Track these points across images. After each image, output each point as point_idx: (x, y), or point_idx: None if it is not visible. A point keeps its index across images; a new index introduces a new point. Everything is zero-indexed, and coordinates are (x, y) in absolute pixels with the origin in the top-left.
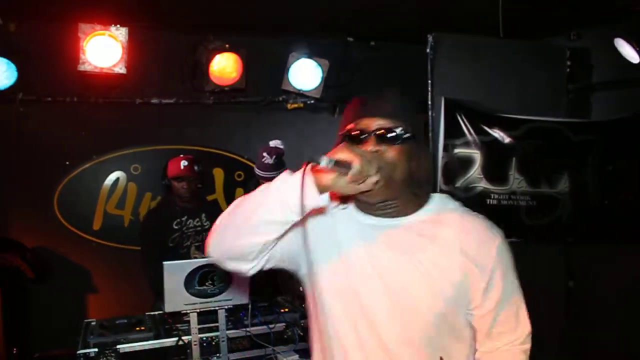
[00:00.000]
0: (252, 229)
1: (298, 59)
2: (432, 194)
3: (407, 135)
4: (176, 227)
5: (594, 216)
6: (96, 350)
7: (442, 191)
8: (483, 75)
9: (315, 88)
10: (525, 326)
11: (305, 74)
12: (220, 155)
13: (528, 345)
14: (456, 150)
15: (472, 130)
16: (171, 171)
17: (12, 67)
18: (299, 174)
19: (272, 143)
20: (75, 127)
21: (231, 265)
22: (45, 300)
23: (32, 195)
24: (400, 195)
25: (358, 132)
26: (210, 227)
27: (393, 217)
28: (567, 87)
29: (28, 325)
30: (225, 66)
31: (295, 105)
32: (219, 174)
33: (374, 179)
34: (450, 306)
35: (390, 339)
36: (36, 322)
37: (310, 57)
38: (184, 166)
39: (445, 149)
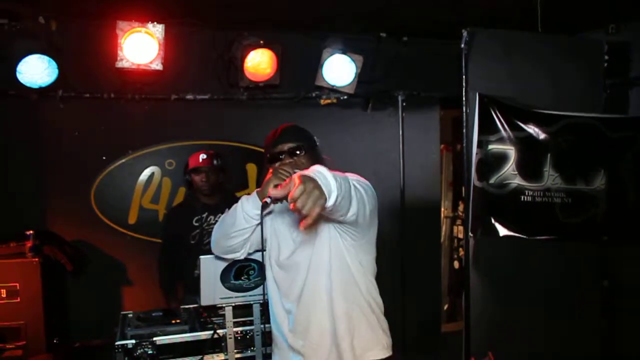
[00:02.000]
0: (233, 234)
1: (332, 54)
2: None
3: (306, 147)
4: (196, 224)
5: (631, 215)
6: (134, 341)
7: (475, 188)
8: (518, 70)
9: (349, 84)
10: None
11: (339, 69)
12: (253, 150)
13: None
14: (490, 147)
15: (506, 126)
16: (190, 164)
17: (54, 64)
18: (250, 197)
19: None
20: (112, 123)
21: (228, 257)
22: (83, 292)
23: (71, 189)
24: None
25: (277, 153)
26: None
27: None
28: (604, 82)
29: (67, 316)
30: (259, 62)
31: (329, 101)
32: (252, 169)
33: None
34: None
35: (308, 285)
36: (74, 313)
37: (344, 52)
38: (203, 159)
39: (480, 145)
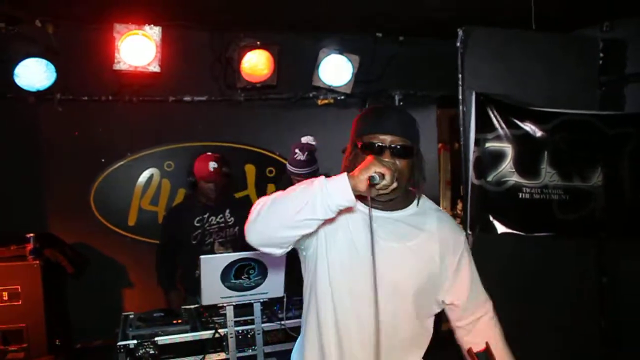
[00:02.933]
0: (296, 224)
1: (328, 54)
2: (416, 195)
3: (413, 151)
4: (197, 225)
5: (629, 211)
6: (135, 342)
7: (473, 186)
8: (514, 68)
9: (346, 84)
10: (489, 300)
11: (335, 69)
12: (252, 151)
13: (494, 314)
14: (487, 145)
15: (503, 124)
16: (199, 172)
17: (52, 67)
18: (339, 180)
19: (304, 139)
20: (111, 125)
21: (265, 250)
22: (84, 293)
23: (71, 192)
24: (401, 194)
25: (376, 145)
26: (234, 222)
27: (390, 210)
28: (599, 80)
29: (68, 318)
30: (256, 63)
31: (326, 101)
32: (250, 170)
33: (394, 186)
34: (429, 282)
35: (381, 310)
36: (76, 315)
37: (340, 52)
38: (213, 169)
39: (477, 143)
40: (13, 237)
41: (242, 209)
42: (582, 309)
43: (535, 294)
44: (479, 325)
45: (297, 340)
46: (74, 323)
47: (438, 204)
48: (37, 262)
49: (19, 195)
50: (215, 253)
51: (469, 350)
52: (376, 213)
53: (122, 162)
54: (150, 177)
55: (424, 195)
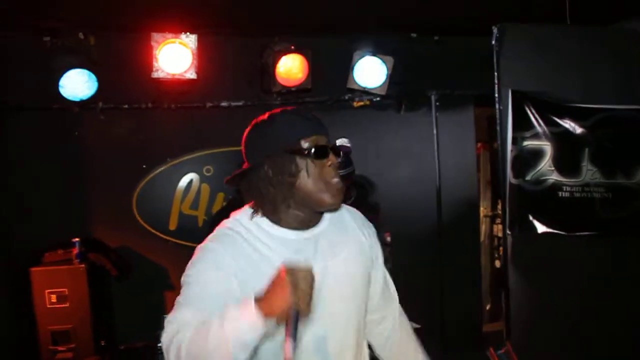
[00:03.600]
0: None
1: (362, 56)
2: None
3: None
4: None
5: None
6: None
7: (511, 185)
8: (551, 65)
9: (381, 85)
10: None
11: (370, 71)
12: None
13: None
14: (525, 143)
15: (541, 122)
16: None
17: (93, 77)
18: (246, 315)
19: (339, 142)
20: (151, 132)
21: None
22: (128, 296)
23: (114, 197)
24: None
25: (326, 147)
26: None
27: (313, 226)
28: None
29: (113, 320)
30: (291, 67)
31: (362, 103)
32: None
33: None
34: (368, 281)
35: (331, 328)
36: (121, 317)
37: (374, 54)
38: None
39: (514, 141)
40: (61, 242)
41: None
42: (630, 311)
43: (578, 295)
44: (397, 331)
45: None
46: (118, 325)
47: (477, 204)
48: (83, 265)
49: (65, 202)
50: None
51: (491, 351)
52: (298, 235)
53: (162, 168)
54: (190, 182)
55: None
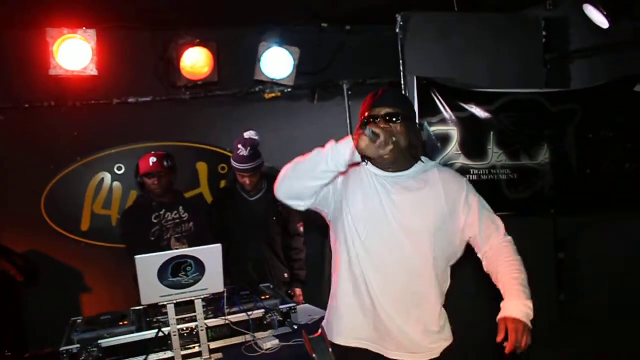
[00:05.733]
0: (316, 175)
1: (268, 48)
2: (420, 158)
3: (405, 117)
4: (155, 221)
5: (577, 186)
6: (79, 346)
7: None
8: (456, 51)
9: (288, 76)
10: (502, 225)
11: (277, 63)
12: (202, 149)
13: (510, 238)
14: (432, 129)
15: (447, 108)
16: (142, 169)
17: None
18: (345, 140)
19: (247, 134)
20: (56, 131)
21: (290, 202)
22: (40, 301)
23: (20, 200)
24: (401, 157)
25: (373, 116)
26: (189, 218)
27: (398, 171)
28: (544, 58)
29: (22, 327)
30: (196, 61)
31: (273, 95)
32: (202, 167)
33: (390, 146)
34: (443, 224)
35: (399, 251)
36: (32, 324)
37: (280, 45)
38: (153, 163)
39: (421, 128)
40: None
41: (195, 206)
42: (540, 286)
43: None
44: (493, 250)
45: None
46: (30, 332)
47: None
48: None
49: None
50: (172, 249)
51: (303, 334)
52: (385, 174)
53: (71, 168)
54: (102, 181)
55: (426, 158)
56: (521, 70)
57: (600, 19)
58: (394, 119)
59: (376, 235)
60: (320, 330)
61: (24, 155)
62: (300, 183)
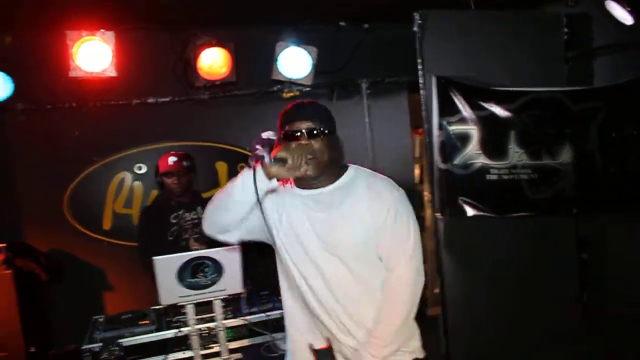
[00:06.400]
0: (227, 207)
1: (286, 47)
2: (348, 167)
3: (326, 131)
4: (174, 221)
5: (600, 185)
6: (100, 344)
7: (440, 170)
8: (475, 49)
9: (306, 76)
10: (408, 246)
11: (295, 62)
12: (221, 148)
13: (412, 274)
14: (452, 128)
15: (467, 106)
16: (161, 168)
17: (9, 79)
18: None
19: (265, 134)
20: (78, 132)
21: (221, 238)
22: (63, 299)
23: (44, 199)
24: (324, 172)
25: (293, 131)
26: None
27: (320, 187)
28: (566, 55)
29: (47, 325)
30: (214, 61)
31: (291, 94)
32: (221, 167)
33: (304, 168)
34: (366, 238)
35: (327, 270)
36: (56, 322)
37: (298, 44)
38: (173, 162)
39: (440, 127)
40: None
41: None
42: (562, 286)
43: (513, 275)
44: (390, 284)
45: None
46: (54, 330)
47: (413, 188)
48: (9, 272)
49: None
50: (190, 249)
51: (311, 347)
52: (308, 192)
53: (93, 168)
54: (122, 181)
55: (356, 167)
56: (542, 68)
57: (623, 15)
58: (316, 135)
59: (305, 257)
60: (327, 343)
61: (47, 155)
62: (218, 216)
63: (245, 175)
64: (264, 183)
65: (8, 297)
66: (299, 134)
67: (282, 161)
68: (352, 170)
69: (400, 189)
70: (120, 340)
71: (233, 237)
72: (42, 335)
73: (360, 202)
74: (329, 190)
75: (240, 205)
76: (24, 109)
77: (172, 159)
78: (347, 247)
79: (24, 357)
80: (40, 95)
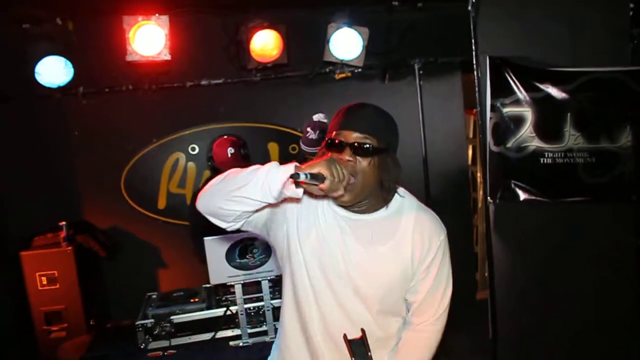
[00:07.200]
0: (236, 199)
1: (337, 29)
2: (397, 194)
3: (378, 149)
4: None
5: None
6: (153, 321)
7: (492, 153)
8: (531, 28)
9: (357, 57)
10: (443, 305)
11: (346, 43)
12: (273, 129)
13: (439, 327)
14: (505, 110)
15: (521, 88)
16: (217, 157)
17: (69, 64)
18: (285, 167)
19: (316, 117)
20: (133, 114)
21: (212, 220)
22: (120, 275)
23: (102, 180)
24: (369, 196)
25: (338, 141)
26: None
27: (362, 213)
28: (631, 32)
29: (105, 299)
30: (266, 44)
31: (343, 75)
32: (273, 148)
33: (340, 192)
34: (396, 286)
35: (349, 306)
36: (112, 296)
37: (349, 26)
38: (231, 154)
39: (493, 109)
40: (50, 226)
41: None
42: (620, 274)
43: (565, 261)
44: (416, 332)
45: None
46: (111, 304)
47: (466, 170)
48: (70, 248)
49: (54, 186)
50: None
51: (344, 337)
52: (346, 213)
53: (148, 149)
54: (177, 162)
55: (405, 194)
56: (605, 46)
57: None
58: (365, 153)
59: (325, 284)
60: (361, 333)
61: (105, 136)
62: (217, 201)
63: (270, 174)
64: (289, 190)
65: (69, 272)
66: (346, 146)
67: (317, 178)
68: (400, 198)
69: (445, 228)
70: (171, 317)
71: (227, 226)
72: (100, 309)
73: (406, 242)
74: (372, 219)
75: (250, 202)
76: (84, 92)
77: (230, 151)
78: (378, 290)
79: (84, 328)
80: (99, 78)
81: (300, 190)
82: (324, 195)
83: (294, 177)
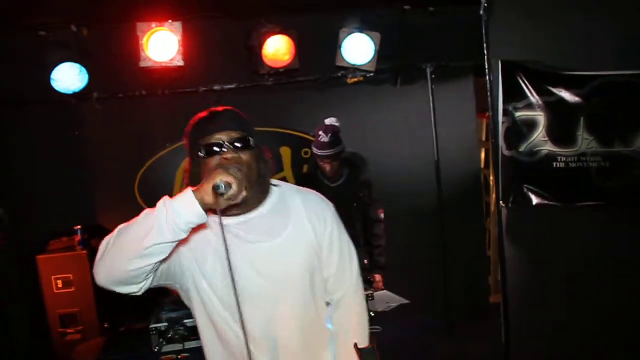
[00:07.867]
0: (145, 252)
1: (349, 34)
2: (271, 183)
3: (251, 140)
4: None
5: None
6: (167, 324)
7: (504, 157)
8: (544, 32)
9: (369, 62)
10: (356, 267)
11: (358, 48)
12: (286, 134)
13: (360, 288)
14: (518, 114)
15: (534, 92)
16: None
17: (84, 70)
18: (184, 197)
19: (328, 121)
20: (147, 119)
21: (121, 290)
22: None
23: (117, 183)
24: (254, 192)
25: (214, 145)
26: None
27: (250, 211)
28: None
29: (118, 303)
30: (278, 49)
31: (356, 80)
32: (286, 152)
33: (244, 194)
34: (314, 263)
35: (274, 312)
36: (126, 300)
37: (361, 31)
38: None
39: (505, 113)
40: (64, 230)
41: None
42: (630, 278)
43: (577, 264)
44: (345, 304)
45: None
46: (125, 307)
47: (479, 174)
48: (85, 252)
49: (68, 191)
50: None
51: (355, 346)
52: (236, 219)
53: (162, 154)
54: None
55: (278, 183)
56: (619, 49)
57: None
58: (245, 146)
59: (245, 300)
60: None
61: (120, 141)
62: (125, 264)
63: (171, 210)
64: (198, 217)
65: (84, 275)
66: (224, 147)
67: (227, 188)
68: (277, 186)
69: (329, 202)
70: (185, 321)
71: (139, 288)
72: (114, 312)
73: (304, 223)
74: (261, 213)
75: (162, 248)
76: (98, 98)
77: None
78: (297, 280)
79: (98, 331)
80: (113, 84)
81: (205, 215)
82: (214, 213)
83: (216, 189)
